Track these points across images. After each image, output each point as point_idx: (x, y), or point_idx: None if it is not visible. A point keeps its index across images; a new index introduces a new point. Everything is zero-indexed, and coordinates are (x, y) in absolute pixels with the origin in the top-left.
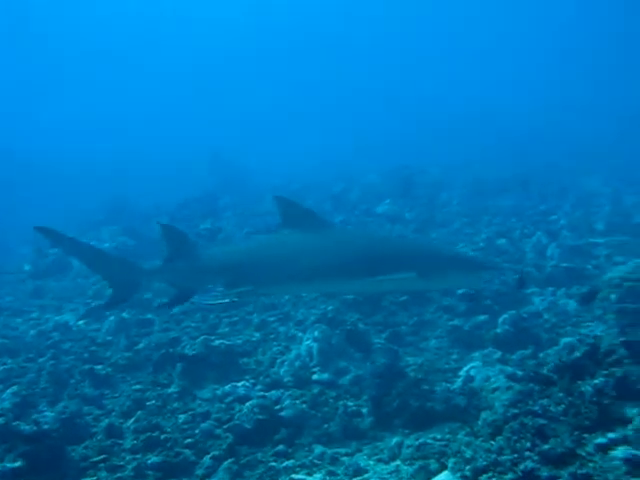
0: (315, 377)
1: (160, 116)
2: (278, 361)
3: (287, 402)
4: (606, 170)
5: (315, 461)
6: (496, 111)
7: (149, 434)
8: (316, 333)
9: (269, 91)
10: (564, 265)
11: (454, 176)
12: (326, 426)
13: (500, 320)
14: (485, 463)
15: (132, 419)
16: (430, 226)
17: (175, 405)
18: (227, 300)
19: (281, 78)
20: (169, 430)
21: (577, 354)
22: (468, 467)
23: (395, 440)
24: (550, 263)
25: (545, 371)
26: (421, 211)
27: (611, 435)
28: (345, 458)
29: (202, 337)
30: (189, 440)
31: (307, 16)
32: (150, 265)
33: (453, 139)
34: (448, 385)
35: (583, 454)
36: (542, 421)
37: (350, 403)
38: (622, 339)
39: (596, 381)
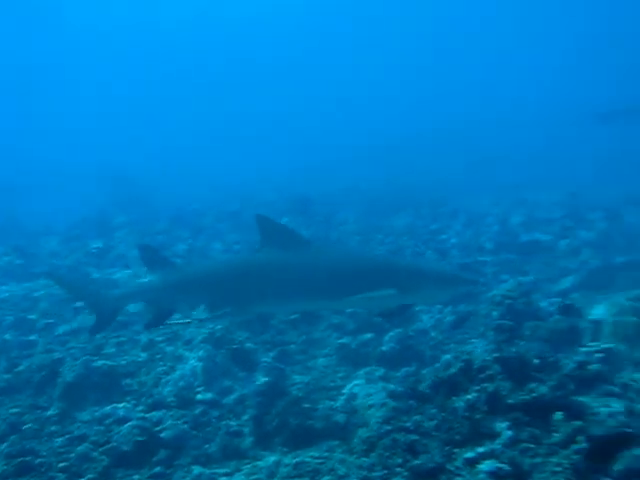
0: (199, 397)
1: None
2: (162, 381)
3: (168, 423)
4: (496, 190)
5: None
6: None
7: (22, 459)
8: (201, 352)
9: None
10: None
11: (353, 196)
12: (207, 446)
13: (386, 338)
14: None
15: (5, 444)
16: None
17: (53, 428)
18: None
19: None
20: (44, 454)
21: (452, 370)
22: None
23: (273, 459)
24: None
25: (422, 388)
26: (318, 229)
27: (480, 449)
28: (223, 478)
29: (84, 358)
30: (63, 464)
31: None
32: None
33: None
34: (331, 403)
35: (452, 469)
36: (414, 437)
37: (233, 423)
38: (495, 355)
39: (469, 396)
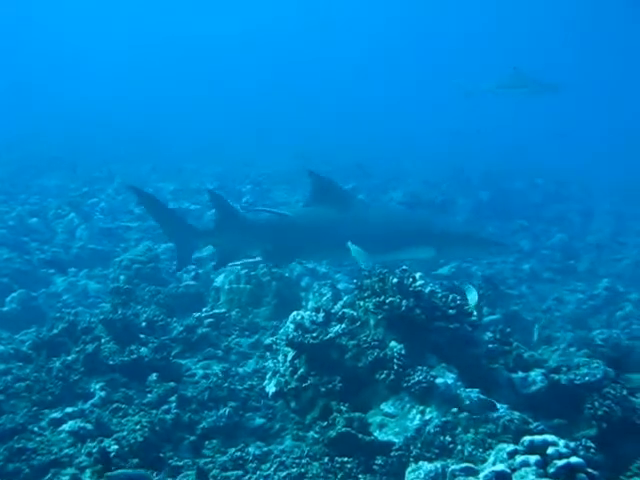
0: None
1: None
2: None
3: None
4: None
5: None
6: None
7: None
8: None
9: None
10: (91, 247)
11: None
12: None
13: (8, 299)
14: None
15: None
16: None
17: None
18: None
19: None
20: None
21: (55, 331)
22: None
23: None
24: (77, 244)
25: (24, 348)
26: None
27: (68, 410)
28: None
29: None
30: None
31: None
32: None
33: None
34: None
35: (35, 429)
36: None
37: None
38: (101, 317)
39: (68, 358)
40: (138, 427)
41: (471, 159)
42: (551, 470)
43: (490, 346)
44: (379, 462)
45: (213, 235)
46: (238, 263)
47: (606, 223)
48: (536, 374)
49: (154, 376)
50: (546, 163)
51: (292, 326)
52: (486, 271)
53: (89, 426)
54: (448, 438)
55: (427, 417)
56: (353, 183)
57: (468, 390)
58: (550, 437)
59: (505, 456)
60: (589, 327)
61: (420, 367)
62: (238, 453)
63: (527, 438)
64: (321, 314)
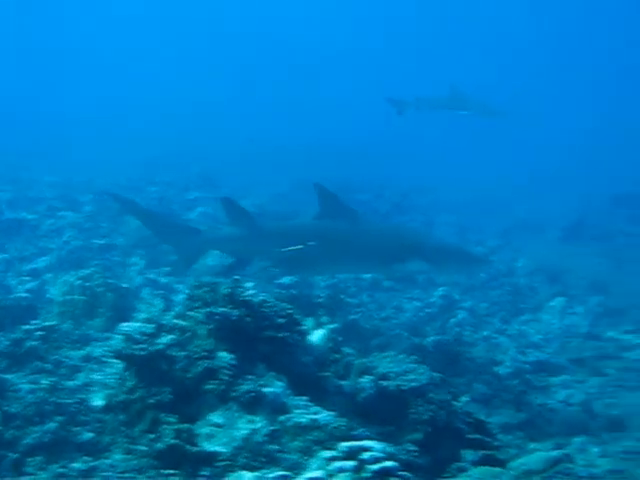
0: None
1: None
2: None
3: None
4: None
5: None
6: None
7: None
8: None
9: None
10: None
11: None
12: None
13: None
14: None
15: None
16: None
17: None
18: None
19: None
20: None
21: None
22: None
23: None
24: None
25: None
26: None
27: None
28: None
29: None
30: None
31: None
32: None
33: None
34: None
35: None
36: None
37: None
38: None
39: None
40: None
41: (325, 171)
42: (365, 475)
43: (320, 354)
44: (205, 473)
45: (225, 241)
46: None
47: (447, 234)
48: (366, 381)
49: None
50: (403, 175)
51: (122, 337)
52: (328, 280)
53: None
54: (275, 446)
55: (255, 426)
56: (196, 193)
57: (297, 398)
58: (367, 442)
59: (323, 463)
60: (424, 334)
61: (250, 377)
62: (61, 469)
63: (344, 444)
64: (151, 325)
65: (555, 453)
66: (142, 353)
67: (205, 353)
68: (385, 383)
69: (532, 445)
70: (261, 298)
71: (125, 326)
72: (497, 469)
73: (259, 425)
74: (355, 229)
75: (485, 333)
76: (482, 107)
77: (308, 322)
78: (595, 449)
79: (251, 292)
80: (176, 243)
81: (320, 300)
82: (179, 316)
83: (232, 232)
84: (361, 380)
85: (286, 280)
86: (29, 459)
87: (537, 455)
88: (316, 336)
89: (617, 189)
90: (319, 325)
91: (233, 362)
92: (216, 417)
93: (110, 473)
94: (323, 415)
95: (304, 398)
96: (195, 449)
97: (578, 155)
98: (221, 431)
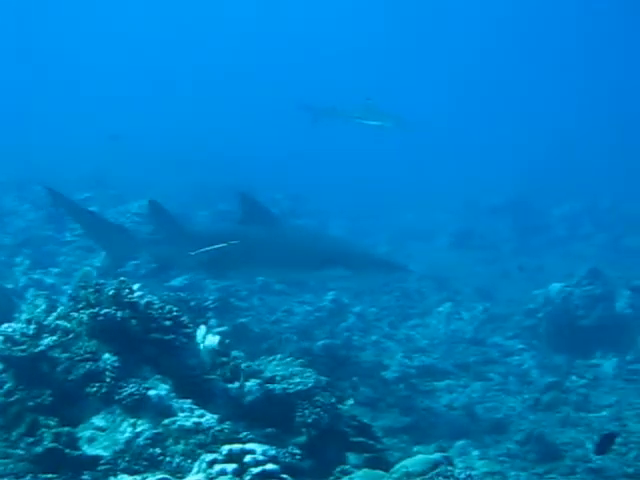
0: None
1: None
2: None
3: None
4: None
5: None
6: None
7: None
8: None
9: None
10: None
11: None
12: None
13: None
14: None
15: None
16: None
17: None
18: None
19: None
20: None
21: None
22: None
23: None
24: None
25: None
26: None
27: None
28: None
29: None
30: None
31: None
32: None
33: None
34: None
35: None
36: None
37: None
38: None
39: None
40: None
41: (219, 174)
42: (247, 478)
43: (207, 357)
44: (85, 477)
45: (152, 244)
46: None
47: None
48: (252, 384)
49: None
50: (300, 181)
51: (1, 338)
52: (219, 283)
53: None
54: (158, 450)
55: (138, 429)
56: (87, 194)
57: (181, 401)
58: (250, 445)
59: (205, 466)
60: (314, 338)
61: (134, 379)
62: None
63: (226, 447)
64: (32, 326)
65: (435, 456)
66: (22, 354)
67: (88, 355)
68: (271, 386)
69: (416, 448)
70: (147, 300)
71: (5, 327)
72: (379, 472)
73: (142, 428)
74: (277, 234)
75: (374, 338)
76: (394, 120)
77: (196, 325)
78: (475, 452)
79: (138, 294)
80: (106, 243)
81: (209, 303)
82: (62, 317)
83: (159, 235)
84: (248, 383)
85: (176, 282)
86: None
87: (418, 458)
88: (203, 339)
89: (497, 199)
90: (207, 328)
91: (117, 364)
92: (98, 420)
93: None
94: (207, 418)
95: (189, 401)
96: (76, 453)
97: (471, 165)
98: (103, 434)
